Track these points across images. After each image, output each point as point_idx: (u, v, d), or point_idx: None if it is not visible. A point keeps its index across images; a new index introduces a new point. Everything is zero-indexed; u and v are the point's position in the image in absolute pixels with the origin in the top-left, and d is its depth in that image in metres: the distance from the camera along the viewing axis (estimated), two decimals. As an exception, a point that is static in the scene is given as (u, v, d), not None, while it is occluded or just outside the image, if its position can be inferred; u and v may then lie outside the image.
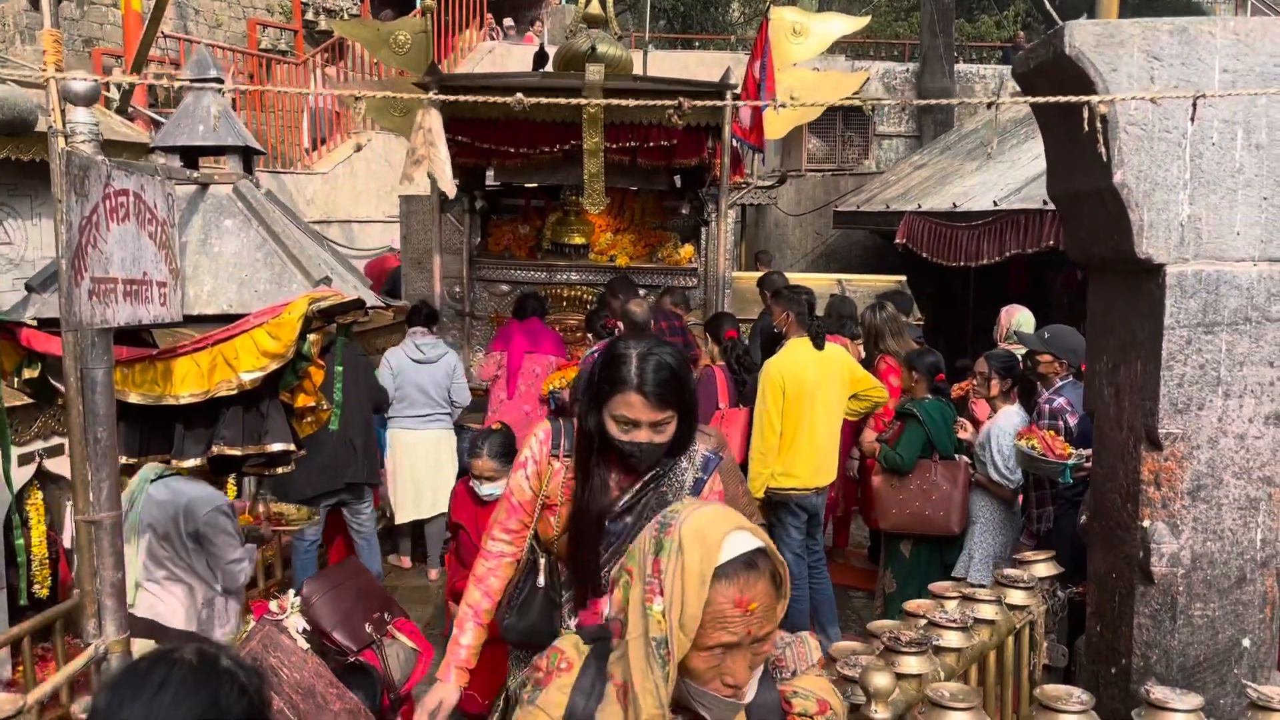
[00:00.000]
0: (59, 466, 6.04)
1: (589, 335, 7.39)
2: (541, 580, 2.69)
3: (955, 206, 9.78)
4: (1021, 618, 2.83)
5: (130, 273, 2.52)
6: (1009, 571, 2.95)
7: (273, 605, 3.48)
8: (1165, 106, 2.45)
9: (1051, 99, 2.15)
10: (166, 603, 3.80)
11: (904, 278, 10.00)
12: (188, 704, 1.33)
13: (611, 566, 2.58)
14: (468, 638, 2.71)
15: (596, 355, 3.96)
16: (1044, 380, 5.24)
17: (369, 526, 5.90)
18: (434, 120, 3.34)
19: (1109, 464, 2.79)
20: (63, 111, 2.32)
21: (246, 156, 3.33)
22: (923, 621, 2.77)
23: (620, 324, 7.23)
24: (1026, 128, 11.15)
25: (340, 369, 3.12)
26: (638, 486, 2.57)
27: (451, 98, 5.41)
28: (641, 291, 7.81)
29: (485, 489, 4.20)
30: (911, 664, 2.38)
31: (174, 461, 3.12)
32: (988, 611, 2.72)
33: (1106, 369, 2.78)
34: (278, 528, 4.08)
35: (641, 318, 6.17)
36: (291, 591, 3.54)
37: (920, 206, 10.45)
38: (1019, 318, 6.55)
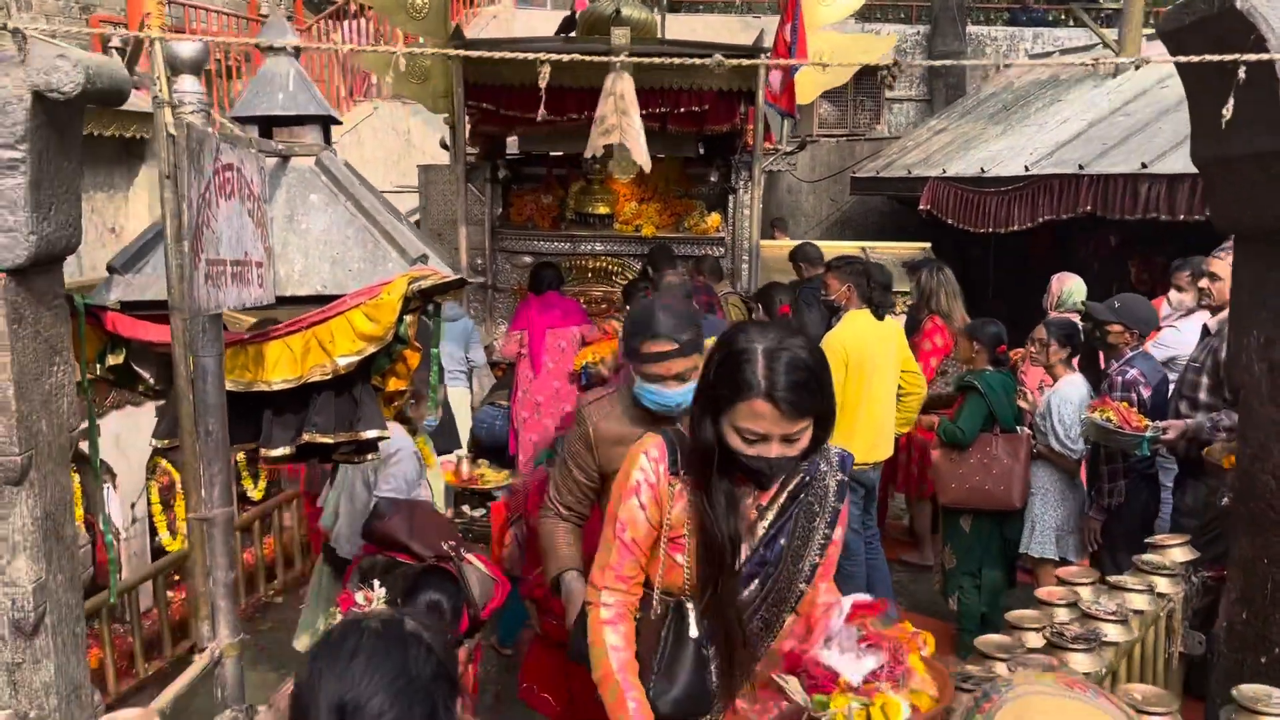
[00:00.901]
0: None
1: (627, 308, 7.22)
2: (694, 630, 2.21)
3: (983, 172, 9.63)
4: (1163, 605, 2.72)
5: (235, 253, 2.35)
6: (1149, 557, 2.83)
7: (359, 598, 3.34)
8: (1342, 65, 2.29)
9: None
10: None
11: (929, 244, 9.87)
12: (380, 670, 1.39)
13: (768, 605, 2.23)
14: (633, 675, 2.24)
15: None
16: (1112, 351, 5.12)
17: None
18: (626, 86, 3.10)
19: (1259, 443, 2.66)
20: (168, 79, 2.14)
21: (325, 126, 3.15)
22: (1062, 612, 2.65)
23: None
24: (1052, 90, 10.98)
25: (436, 351, 2.96)
26: (783, 499, 2.20)
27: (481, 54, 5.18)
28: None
29: None
30: (1080, 661, 2.26)
31: (262, 450, 2.96)
32: (1139, 601, 2.60)
33: (1257, 344, 2.65)
34: (477, 487, 4.20)
35: (680, 292, 6.00)
36: (376, 582, 3.40)
37: (945, 172, 10.28)
38: (1070, 285, 6.42)
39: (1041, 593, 2.78)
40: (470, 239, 8.14)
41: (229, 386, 2.78)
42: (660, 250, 7.43)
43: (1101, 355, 5.72)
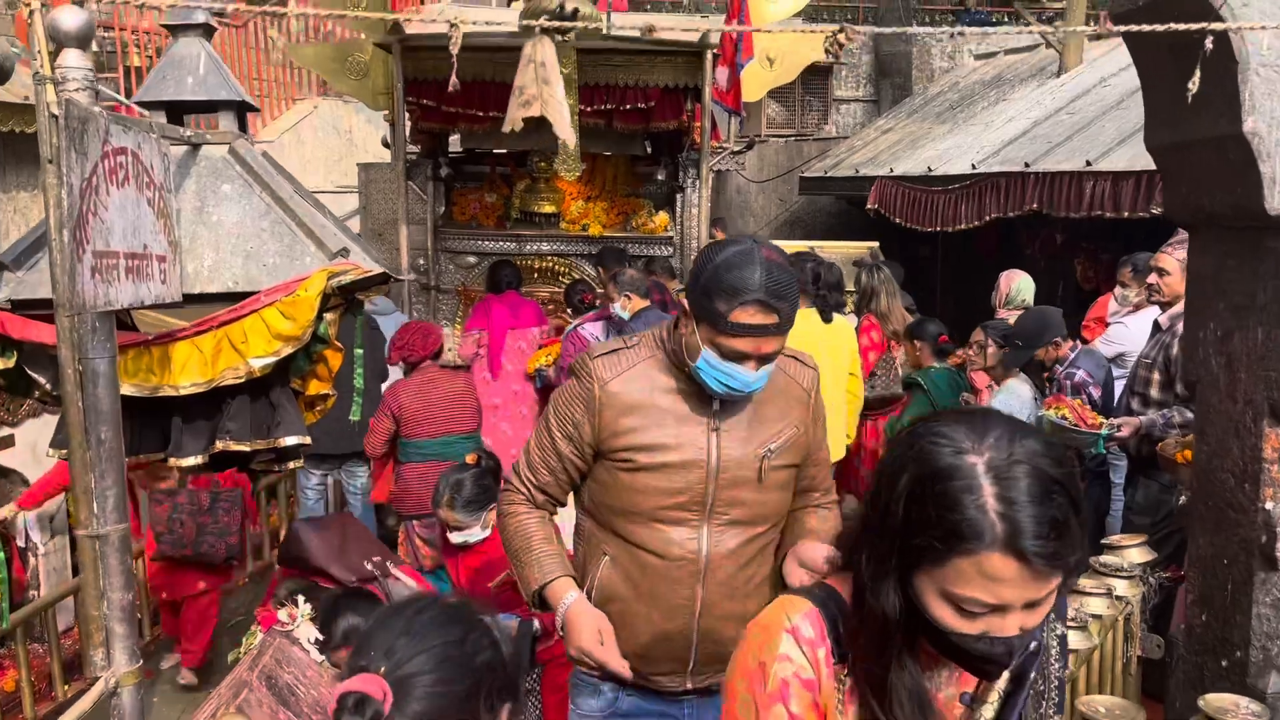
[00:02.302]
0: (8, 459, 5.59)
1: (568, 310, 7.07)
2: None
3: (930, 170, 9.61)
4: (1121, 609, 2.63)
5: (131, 245, 2.16)
6: (1106, 559, 2.73)
7: (282, 615, 3.15)
8: (1301, 46, 2.21)
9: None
10: None
11: (877, 244, 9.82)
12: (441, 630, 1.46)
13: None
14: None
15: None
16: (1055, 362, 5.03)
17: (364, 490, 6.03)
18: (548, 53, 2.89)
19: (1217, 439, 2.57)
20: (51, 54, 1.94)
21: (240, 113, 2.95)
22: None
23: (597, 299, 6.93)
24: (997, 89, 11.02)
25: (360, 351, 2.77)
26: (1002, 684, 1.42)
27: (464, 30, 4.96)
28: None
29: (456, 537, 3.57)
30: (1039, 670, 2.14)
31: (170, 460, 2.76)
32: (1098, 606, 2.50)
33: (1214, 336, 2.56)
34: None
35: (642, 287, 5.88)
36: (301, 598, 3.21)
37: (892, 171, 10.26)
38: (1019, 283, 6.38)
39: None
40: (412, 239, 7.92)
41: (132, 391, 2.58)
42: (610, 250, 7.29)
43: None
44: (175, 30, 2.85)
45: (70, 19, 1.95)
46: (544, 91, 2.96)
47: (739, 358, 2.11)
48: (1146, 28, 1.80)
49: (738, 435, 2.25)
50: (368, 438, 5.13)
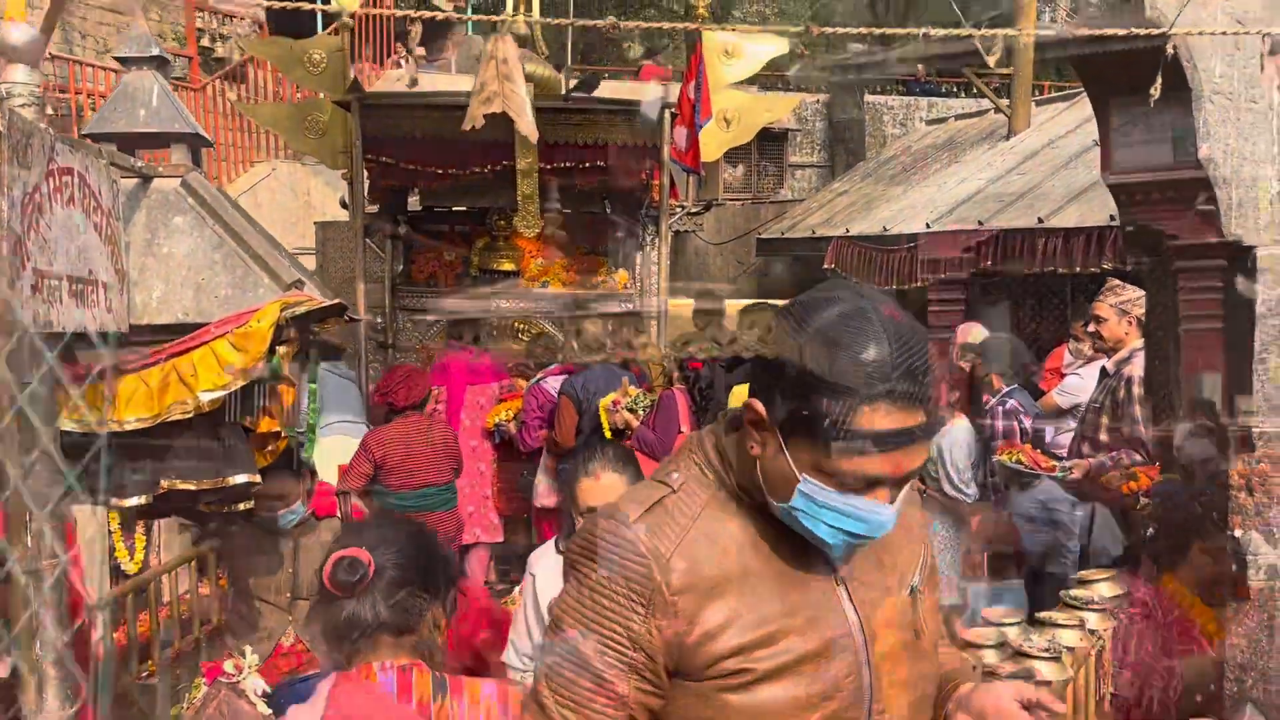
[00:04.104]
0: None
1: (531, 365, 7.03)
2: None
3: (885, 230, 9.75)
4: (1094, 642, 2.58)
5: (75, 269, 2.09)
6: (1077, 593, 2.69)
7: (227, 665, 3.00)
8: (1251, 76, 2.25)
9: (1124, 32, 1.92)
10: None
11: (835, 302, 9.92)
12: (404, 527, 1.92)
13: None
14: None
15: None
16: (988, 389, 5.13)
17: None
18: (509, 49, 2.86)
19: (1184, 470, 2.56)
20: (-5, 68, 1.89)
21: (194, 147, 2.90)
22: (990, 653, 2.49)
23: (560, 353, 6.89)
24: (949, 152, 11.26)
25: (314, 387, 2.69)
26: None
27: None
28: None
29: None
30: (1015, 701, 2.08)
31: (113, 500, 2.65)
32: (1071, 639, 2.46)
33: (1177, 365, 2.57)
34: None
35: (597, 339, 5.85)
36: (249, 649, 3.07)
37: (848, 231, 10.40)
38: (975, 333, 6.45)
39: (967, 633, 2.62)
40: (370, 297, 7.85)
41: (73, 426, 2.48)
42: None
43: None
44: (127, 63, 2.81)
45: (18, 34, 1.89)
46: (505, 88, 2.94)
47: (866, 485, 1.35)
48: (1108, 31, 1.83)
49: (871, 579, 1.49)
50: (342, 479, 5.07)
